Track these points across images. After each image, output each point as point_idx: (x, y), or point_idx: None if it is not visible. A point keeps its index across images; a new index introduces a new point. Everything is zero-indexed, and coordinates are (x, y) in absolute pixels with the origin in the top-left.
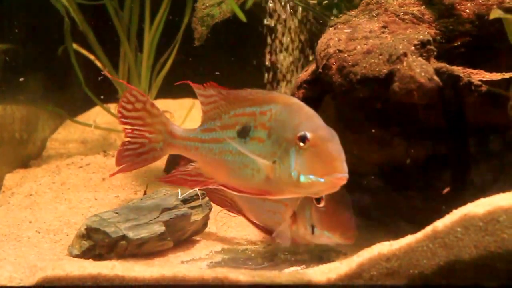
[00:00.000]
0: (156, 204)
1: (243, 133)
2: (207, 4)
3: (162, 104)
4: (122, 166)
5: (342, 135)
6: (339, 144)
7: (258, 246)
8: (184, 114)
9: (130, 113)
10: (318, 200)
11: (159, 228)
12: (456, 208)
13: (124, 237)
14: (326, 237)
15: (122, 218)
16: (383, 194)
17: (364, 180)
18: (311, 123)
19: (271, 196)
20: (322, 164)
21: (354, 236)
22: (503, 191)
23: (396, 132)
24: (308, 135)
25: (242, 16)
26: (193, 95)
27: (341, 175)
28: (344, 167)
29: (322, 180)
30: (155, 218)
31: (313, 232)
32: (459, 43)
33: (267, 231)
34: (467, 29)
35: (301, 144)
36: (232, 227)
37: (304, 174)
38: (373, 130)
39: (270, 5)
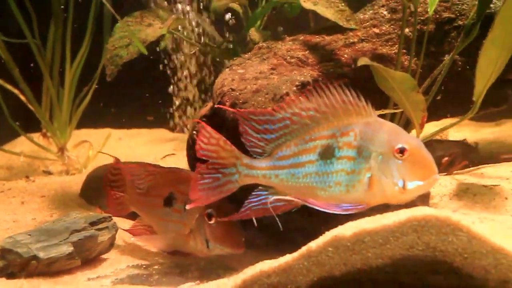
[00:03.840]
0: (66, 226)
1: (327, 155)
2: (116, 46)
3: (83, 133)
4: (199, 199)
5: None
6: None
7: (162, 262)
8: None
9: (207, 146)
10: (210, 218)
11: (68, 249)
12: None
13: (35, 257)
14: (219, 249)
15: (34, 239)
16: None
17: None
18: (401, 135)
19: (370, 206)
20: (423, 169)
21: (242, 246)
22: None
23: None
24: (406, 146)
25: (144, 51)
26: (110, 125)
27: (437, 176)
28: (436, 168)
29: (423, 183)
30: (64, 239)
31: (208, 246)
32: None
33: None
34: (345, 71)
35: (401, 155)
36: (138, 246)
37: (410, 181)
38: None
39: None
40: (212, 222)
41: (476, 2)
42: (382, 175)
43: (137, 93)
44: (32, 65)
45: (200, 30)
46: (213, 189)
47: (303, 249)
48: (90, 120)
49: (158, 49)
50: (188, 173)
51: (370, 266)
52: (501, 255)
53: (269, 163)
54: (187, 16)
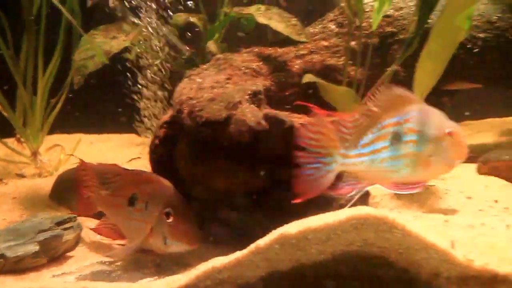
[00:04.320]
0: (33, 226)
1: (396, 140)
2: (82, 57)
3: (56, 138)
4: (303, 193)
5: (194, 167)
6: None
7: (124, 259)
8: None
9: (313, 134)
10: (168, 216)
11: (34, 247)
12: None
13: (2, 256)
14: (175, 246)
15: (2, 238)
16: (236, 219)
17: (218, 205)
18: (447, 120)
19: (427, 181)
20: (462, 150)
21: (197, 242)
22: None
23: (238, 164)
24: (453, 130)
25: (106, 60)
26: (82, 130)
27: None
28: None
29: (461, 161)
30: (31, 239)
31: (165, 243)
32: (289, 92)
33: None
34: (296, 81)
35: (450, 137)
36: (103, 244)
37: (456, 160)
38: (219, 163)
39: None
40: (170, 220)
41: (416, 18)
42: (438, 155)
43: (107, 100)
44: (6, 74)
45: (161, 43)
46: (316, 180)
47: (252, 246)
48: (63, 125)
49: (126, 59)
50: (150, 174)
51: (313, 261)
52: (432, 250)
53: (356, 151)
54: (153, 29)
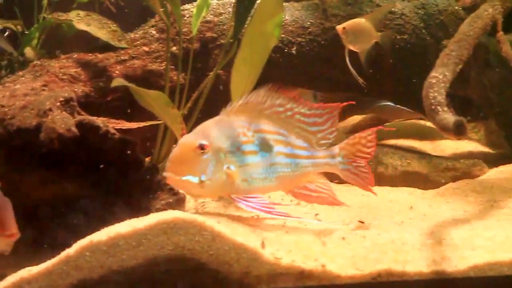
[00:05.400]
0: None
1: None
2: None
3: None
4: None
5: (10, 175)
6: None
7: None
8: None
9: None
10: None
11: None
12: None
13: None
14: None
15: None
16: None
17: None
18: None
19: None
20: None
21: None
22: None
23: (54, 173)
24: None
25: None
26: None
27: None
28: None
29: None
30: None
31: None
32: (111, 97)
33: None
34: (117, 87)
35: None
36: None
37: None
38: (34, 171)
39: None
40: None
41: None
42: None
43: None
44: None
45: None
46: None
47: (62, 254)
48: None
49: None
50: None
51: (125, 267)
52: (241, 250)
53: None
54: None
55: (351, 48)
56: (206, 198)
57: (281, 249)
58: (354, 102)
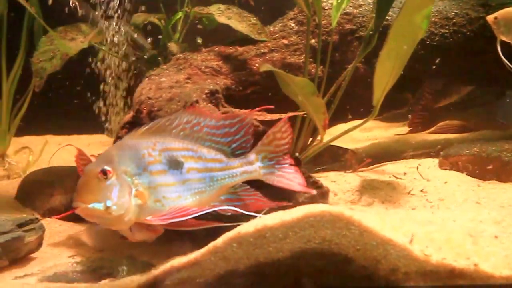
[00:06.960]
0: None
1: None
2: (40, 59)
3: (25, 140)
4: None
5: None
6: None
7: (86, 259)
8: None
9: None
10: None
11: None
12: None
13: None
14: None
15: None
16: None
17: None
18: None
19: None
20: None
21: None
22: None
23: None
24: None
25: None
26: (52, 132)
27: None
28: None
29: None
30: None
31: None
32: (250, 90)
33: None
34: (257, 79)
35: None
36: (67, 244)
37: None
38: None
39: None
40: None
41: (374, 15)
42: None
43: (77, 102)
44: None
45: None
46: None
47: (210, 245)
48: (32, 127)
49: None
50: None
51: (271, 259)
52: (389, 246)
53: None
54: (116, 27)
55: (504, 39)
56: (120, 228)
57: (430, 246)
58: (272, 107)
